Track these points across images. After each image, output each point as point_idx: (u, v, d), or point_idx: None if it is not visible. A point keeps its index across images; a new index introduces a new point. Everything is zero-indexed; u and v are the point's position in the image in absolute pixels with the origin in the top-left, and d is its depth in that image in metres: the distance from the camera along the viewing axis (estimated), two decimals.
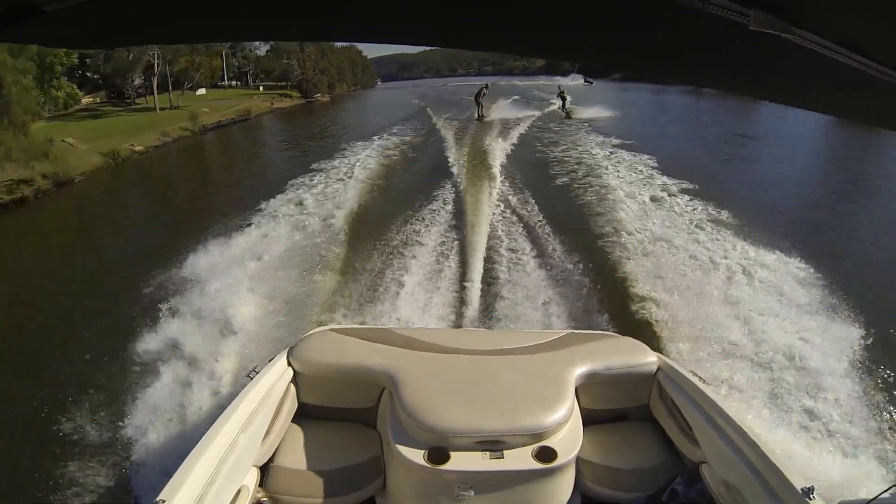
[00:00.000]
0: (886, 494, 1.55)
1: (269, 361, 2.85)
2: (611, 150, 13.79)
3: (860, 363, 4.38)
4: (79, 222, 12.87)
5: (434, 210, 8.98)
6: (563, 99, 22.70)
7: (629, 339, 3.21)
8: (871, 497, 1.61)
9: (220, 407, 2.58)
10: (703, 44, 0.61)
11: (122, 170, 18.03)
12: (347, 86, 58.09)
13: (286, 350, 2.94)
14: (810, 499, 1.91)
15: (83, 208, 14.26)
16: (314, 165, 12.92)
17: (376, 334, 3.12)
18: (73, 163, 16.05)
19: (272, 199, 9.80)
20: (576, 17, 0.56)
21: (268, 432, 2.55)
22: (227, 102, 34.27)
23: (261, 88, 45.01)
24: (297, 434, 2.76)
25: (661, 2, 0.50)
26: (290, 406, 2.81)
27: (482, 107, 21.25)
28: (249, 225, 8.37)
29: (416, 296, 5.85)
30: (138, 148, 19.89)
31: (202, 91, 37.22)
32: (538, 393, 2.58)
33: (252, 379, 2.67)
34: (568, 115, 21.34)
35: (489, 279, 6.27)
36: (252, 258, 6.77)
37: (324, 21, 0.69)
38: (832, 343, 4.60)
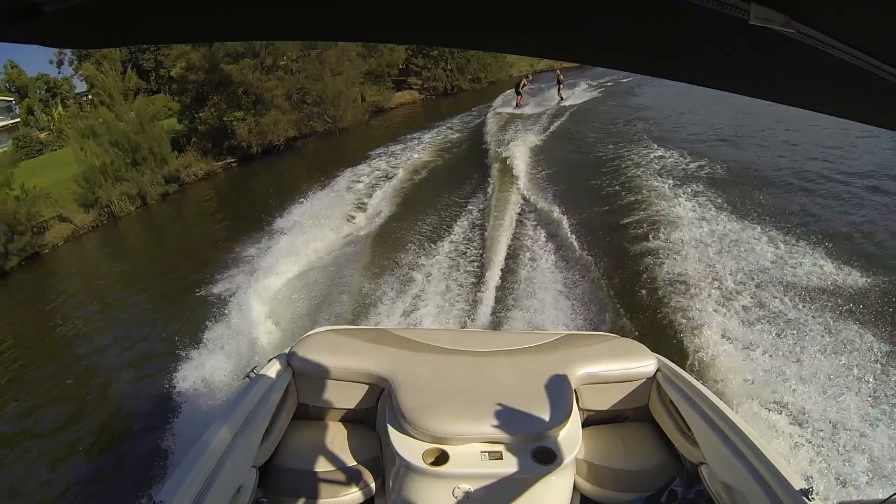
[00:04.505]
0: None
1: (269, 362, 2.84)
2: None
3: None
4: (464, 101, 27.11)
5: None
6: (560, 83, 22.64)
7: (628, 340, 3.20)
8: (871, 499, 1.56)
9: (219, 407, 2.48)
10: (701, 42, 0.61)
11: (489, 87, 33.08)
12: None
13: (285, 350, 2.94)
14: (809, 499, 1.89)
15: (467, 98, 28.97)
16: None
17: (376, 335, 3.12)
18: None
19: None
20: (576, 17, 0.57)
21: (267, 433, 2.55)
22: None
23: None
24: (297, 435, 2.77)
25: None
26: (290, 406, 2.81)
27: (521, 97, 21.51)
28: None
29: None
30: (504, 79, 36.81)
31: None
32: (537, 394, 2.56)
33: (251, 379, 2.67)
34: (562, 99, 21.89)
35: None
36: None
37: (324, 21, 0.72)
38: None
